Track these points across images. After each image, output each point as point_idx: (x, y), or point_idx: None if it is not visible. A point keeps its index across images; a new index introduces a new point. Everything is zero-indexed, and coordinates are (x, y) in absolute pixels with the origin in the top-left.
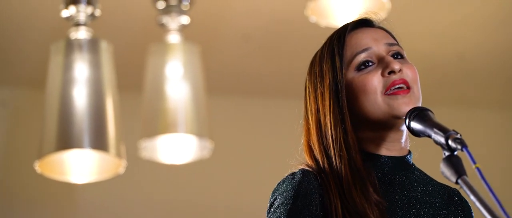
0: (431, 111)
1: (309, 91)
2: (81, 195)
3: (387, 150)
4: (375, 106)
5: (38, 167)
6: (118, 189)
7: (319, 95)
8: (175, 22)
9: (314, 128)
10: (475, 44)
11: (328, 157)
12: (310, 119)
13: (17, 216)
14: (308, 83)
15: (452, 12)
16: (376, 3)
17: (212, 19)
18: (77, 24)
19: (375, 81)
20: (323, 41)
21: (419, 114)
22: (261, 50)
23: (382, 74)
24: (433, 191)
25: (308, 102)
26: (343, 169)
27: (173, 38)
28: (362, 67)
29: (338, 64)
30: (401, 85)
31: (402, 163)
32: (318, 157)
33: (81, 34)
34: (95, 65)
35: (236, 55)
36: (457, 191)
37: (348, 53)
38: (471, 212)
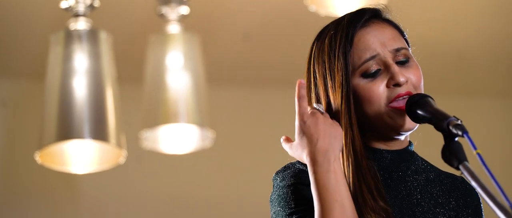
0: (431, 98)
1: (316, 79)
2: (81, 186)
3: (387, 146)
4: (378, 116)
5: (39, 157)
6: (119, 179)
7: (330, 90)
8: (175, 12)
9: None
10: (475, 32)
11: None
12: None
13: (18, 207)
14: (315, 68)
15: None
16: None
17: (212, 9)
18: (76, 15)
19: (379, 91)
20: None
21: (419, 100)
22: (262, 40)
23: (387, 85)
24: (435, 179)
25: (313, 89)
26: (351, 173)
27: (173, 28)
28: (368, 74)
29: (348, 65)
30: (405, 97)
31: (403, 154)
32: None
33: (81, 25)
34: (95, 56)
35: (237, 45)
36: (462, 178)
37: (355, 56)
38: (478, 199)
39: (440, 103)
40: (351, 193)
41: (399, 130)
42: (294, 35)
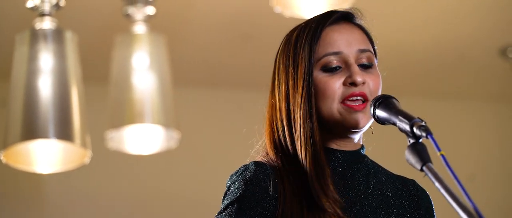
0: (396, 99)
1: (279, 69)
2: (46, 186)
3: (339, 146)
4: (330, 111)
5: (3, 157)
6: (84, 179)
7: (290, 79)
8: (141, 12)
9: (284, 112)
10: (451, 33)
11: (294, 148)
12: (278, 98)
13: None
14: (280, 59)
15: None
16: None
17: (179, 10)
18: (42, 14)
19: (335, 87)
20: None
21: (384, 101)
22: (227, 41)
23: (344, 83)
24: (386, 180)
25: (276, 79)
26: (307, 163)
27: (139, 28)
28: (328, 69)
29: (312, 57)
30: (358, 98)
31: (355, 156)
32: (282, 143)
33: (46, 24)
34: (60, 56)
35: (203, 46)
36: (413, 181)
37: (320, 49)
38: (430, 201)
39: (413, 106)
40: (308, 181)
41: (348, 128)
42: (260, 37)
